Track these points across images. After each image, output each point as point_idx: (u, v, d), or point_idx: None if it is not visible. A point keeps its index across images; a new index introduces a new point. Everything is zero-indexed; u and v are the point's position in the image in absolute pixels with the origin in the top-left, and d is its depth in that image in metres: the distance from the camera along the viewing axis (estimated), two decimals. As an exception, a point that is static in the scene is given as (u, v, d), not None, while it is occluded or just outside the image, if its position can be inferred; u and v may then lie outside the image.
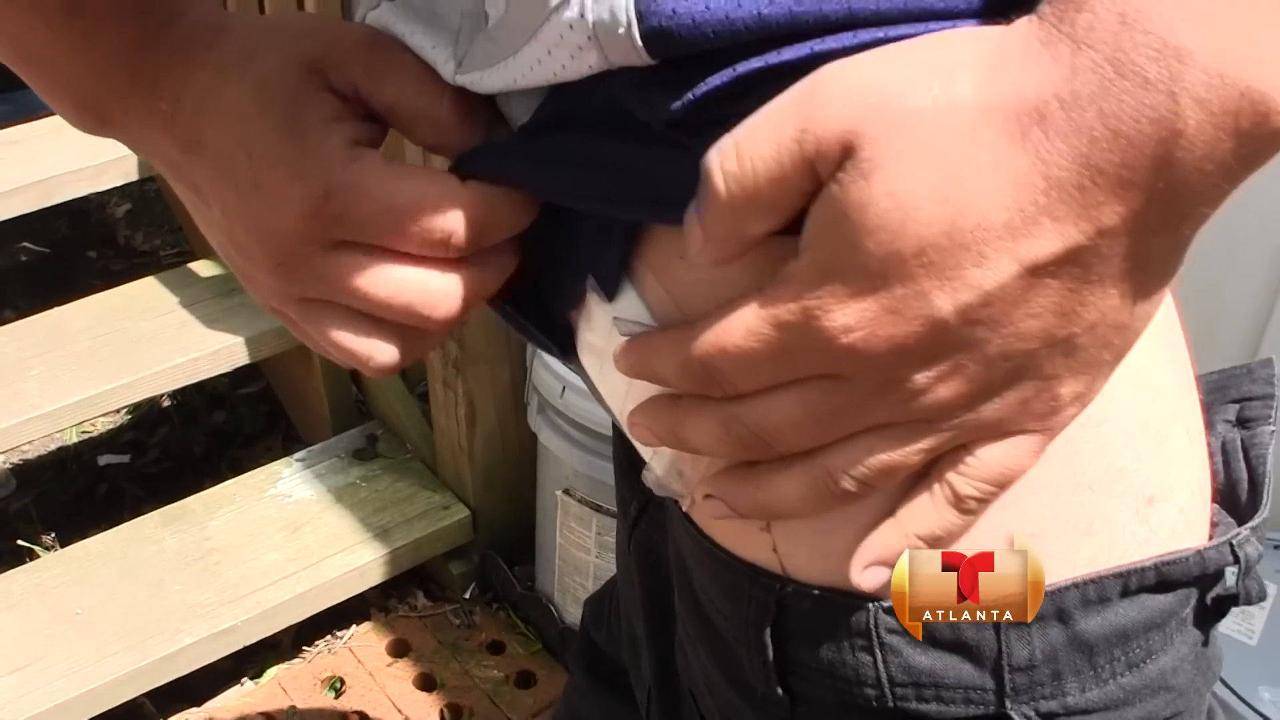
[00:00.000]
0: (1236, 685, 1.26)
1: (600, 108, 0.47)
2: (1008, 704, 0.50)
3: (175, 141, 0.53)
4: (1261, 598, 0.54)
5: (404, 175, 0.51)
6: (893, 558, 0.48)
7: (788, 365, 0.43)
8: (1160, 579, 0.51)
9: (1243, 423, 0.58)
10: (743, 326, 0.43)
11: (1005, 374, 0.42)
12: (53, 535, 2.20)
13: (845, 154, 0.39)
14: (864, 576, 0.48)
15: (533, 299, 0.58)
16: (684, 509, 0.55)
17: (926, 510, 0.47)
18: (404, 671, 1.91)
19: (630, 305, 0.51)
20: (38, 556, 2.05)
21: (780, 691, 0.54)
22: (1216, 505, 0.56)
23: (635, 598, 0.76)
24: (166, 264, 2.48)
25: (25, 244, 2.83)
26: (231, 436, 2.42)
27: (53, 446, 2.41)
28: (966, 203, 0.38)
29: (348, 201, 0.50)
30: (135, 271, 2.38)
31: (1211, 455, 0.57)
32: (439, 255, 0.52)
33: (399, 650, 1.95)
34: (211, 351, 2.00)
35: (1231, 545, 0.52)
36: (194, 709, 1.88)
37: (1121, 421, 0.50)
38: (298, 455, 2.07)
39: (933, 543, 0.48)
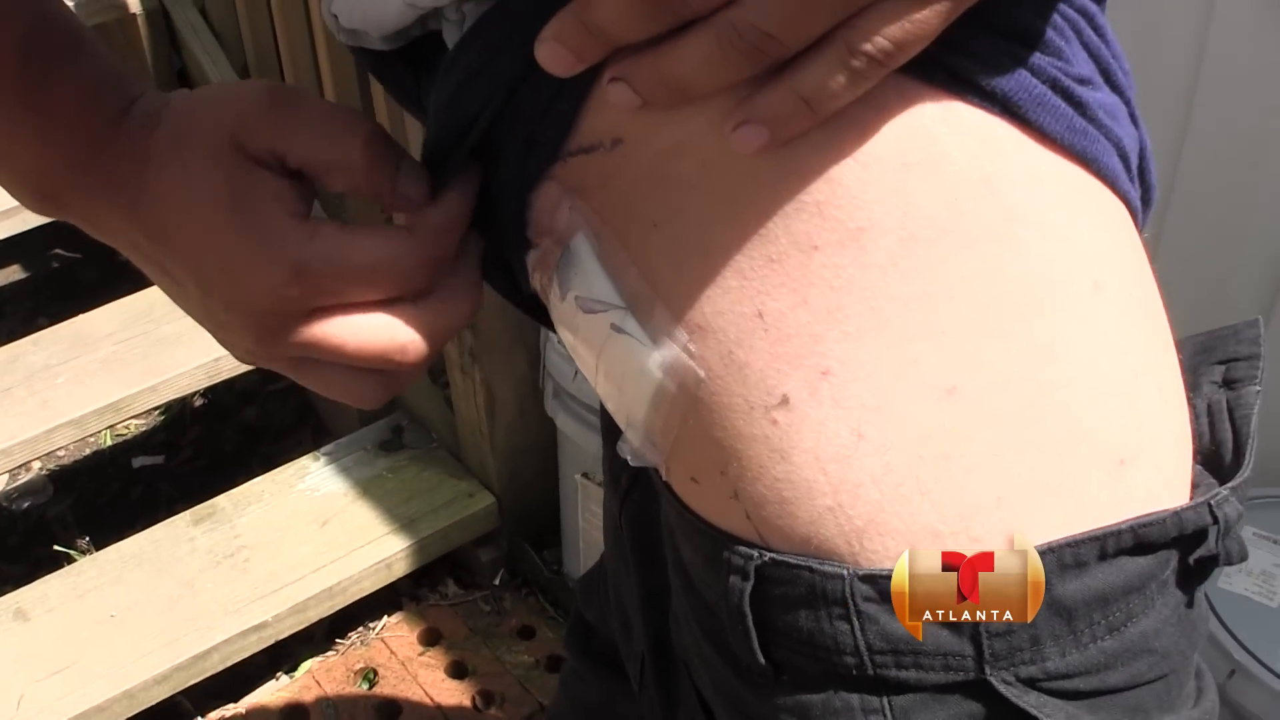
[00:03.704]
0: (1256, 649, 1.25)
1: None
2: (987, 669, 0.50)
3: (142, 232, 0.55)
4: (1243, 558, 0.54)
5: (357, 238, 0.54)
6: (769, 117, 0.47)
7: None
8: (1138, 541, 0.50)
9: (1229, 383, 0.58)
10: None
11: None
12: (87, 539, 2.22)
13: None
14: (736, 136, 0.48)
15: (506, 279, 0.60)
16: (664, 478, 0.56)
17: (816, 66, 0.46)
18: (436, 660, 1.92)
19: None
20: (74, 561, 2.07)
21: (763, 661, 0.54)
22: (1199, 467, 0.55)
23: (627, 570, 0.76)
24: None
25: (58, 250, 2.85)
26: (262, 432, 2.43)
27: (87, 451, 2.43)
28: None
29: (314, 276, 0.53)
30: (163, 274, 2.39)
31: (1197, 417, 0.57)
32: (403, 297, 0.55)
33: (431, 639, 1.97)
34: (234, 351, 2.00)
35: (1210, 506, 0.52)
36: (231, 704, 1.90)
37: (1085, 382, 0.50)
38: (324, 449, 2.08)
39: (815, 102, 0.47)
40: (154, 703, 1.77)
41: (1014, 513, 0.49)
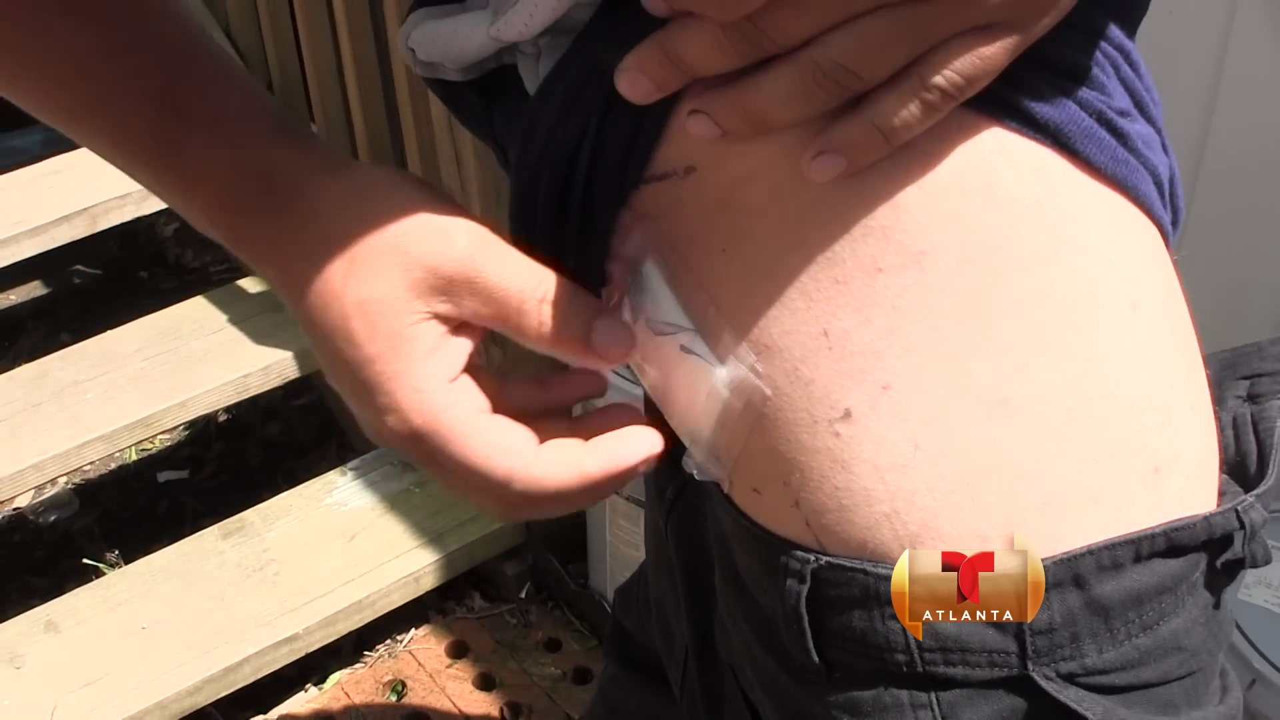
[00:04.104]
0: (1277, 659, 1.27)
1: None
2: (1030, 666, 0.53)
3: (284, 296, 0.57)
4: (1267, 561, 0.57)
5: (481, 441, 0.55)
6: (845, 146, 0.50)
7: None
8: (1170, 544, 0.53)
9: (1253, 398, 0.61)
10: None
11: None
12: (116, 552, 2.25)
13: None
14: (814, 164, 0.51)
15: None
16: (725, 491, 0.59)
17: (891, 98, 0.49)
18: (463, 672, 1.95)
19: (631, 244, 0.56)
20: (103, 574, 2.10)
21: (817, 660, 0.57)
22: (1226, 476, 0.58)
23: (671, 580, 0.78)
24: (216, 281, 2.52)
25: (78, 267, 2.88)
26: (286, 448, 2.46)
27: (113, 466, 2.45)
28: None
29: (426, 451, 0.55)
30: (186, 289, 2.42)
31: (1222, 429, 0.60)
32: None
33: (458, 651, 1.99)
34: (261, 367, 2.05)
35: (1237, 511, 0.55)
36: (260, 716, 1.93)
37: (1123, 397, 0.53)
38: (351, 464, 2.11)
39: (890, 132, 0.50)
40: (186, 714, 1.80)
41: (1057, 518, 0.52)
